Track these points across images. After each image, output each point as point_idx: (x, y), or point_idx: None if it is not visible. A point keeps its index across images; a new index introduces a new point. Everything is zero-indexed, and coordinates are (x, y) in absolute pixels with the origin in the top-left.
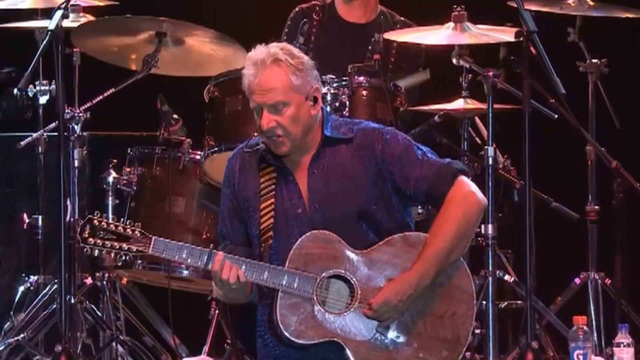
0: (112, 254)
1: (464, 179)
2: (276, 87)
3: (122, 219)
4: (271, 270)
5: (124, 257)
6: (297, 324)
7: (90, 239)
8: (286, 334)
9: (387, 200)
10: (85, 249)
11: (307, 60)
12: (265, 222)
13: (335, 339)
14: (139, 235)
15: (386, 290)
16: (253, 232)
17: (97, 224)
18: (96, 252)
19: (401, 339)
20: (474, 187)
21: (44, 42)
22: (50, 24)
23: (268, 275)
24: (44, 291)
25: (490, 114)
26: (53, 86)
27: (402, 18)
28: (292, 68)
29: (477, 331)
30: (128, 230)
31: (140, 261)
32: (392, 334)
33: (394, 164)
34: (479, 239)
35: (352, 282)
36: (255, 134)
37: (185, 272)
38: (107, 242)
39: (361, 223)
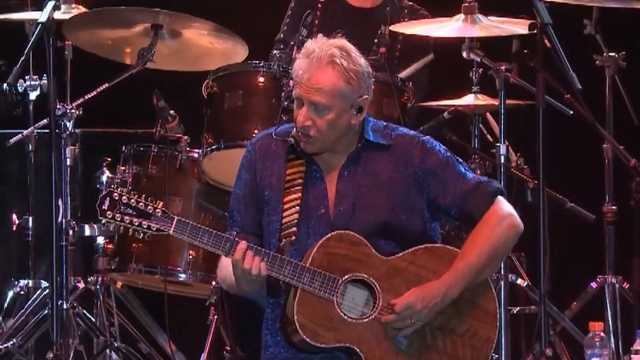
0: (131, 230)
1: (502, 199)
2: (324, 89)
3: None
4: (293, 266)
5: (142, 235)
6: (314, 325)
7: (109, 212)
8: (302, 334)
9: (419, 211)
10: (102, 222)
11: (365, 66)
12: (288, 216)
13: (351, 345)
14: (160, 213)
15: (411, 294)
16: (271, 224)
17: (117, 197)
18: (113, 227)
19: (418, 353)
20: (512, 209)
21: (35, 34)
22: (41, 16)
23: (290, 271)
24: (35, 296)
25: (502, 110)
26: (44, 81)
27: (409, 2)
28: (346, 75)
29: (495, 356)
30: (150, 207)
31: (135, 264)
32: (409, 347)
33: (433, 176)
34: None
35: (375, 288)
36: (256, 131)
37: (183, 276)
38: (126, 217)
39: (385, 232)
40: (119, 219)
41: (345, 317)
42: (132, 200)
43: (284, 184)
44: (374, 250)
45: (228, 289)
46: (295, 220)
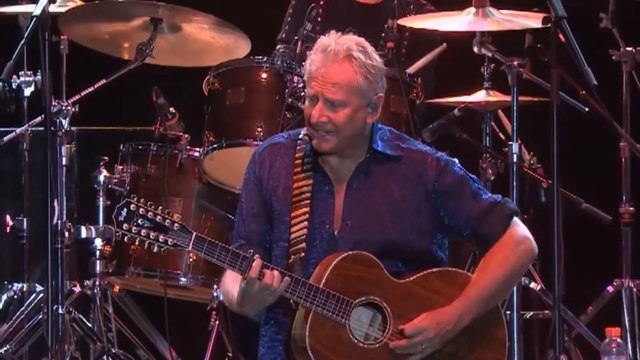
0: (146, 244)
1: (518, 221)
2: (341, 85)
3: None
4: (308, 287)
5: (157, 249)
6: (325, 350)
7: (126, 225)
8: (311, 355)
9: (429, 232)
10: (117, 235)
11: (380, 64)
12: (297, 231)
13: None
14: (178, 227)
15: (423, 319)
16: (280, 238)
17: (134, 209)
18: (127, 239)
19: None
20: (527, 232)
21: (29, 28)
22: (36, 9)
23: (304, 292)
24: (29, 300)
25: (515, 107)
26: (39, 77)
27: None
28: (364, 70)
29: None
30: (168, 220)
31: (133, 267)
32: None
33: (448, 196)
34: None
35: (387, 313)
36: (259, 129)
37: (183, 280)
38: (143, 231)
39: (392, 252)
40: (135, 232)
41: (356, 341)
42: (150, 213)
43: (292, 197)
44: (387, 273)
45: (228, 305)
46: (304, 236)
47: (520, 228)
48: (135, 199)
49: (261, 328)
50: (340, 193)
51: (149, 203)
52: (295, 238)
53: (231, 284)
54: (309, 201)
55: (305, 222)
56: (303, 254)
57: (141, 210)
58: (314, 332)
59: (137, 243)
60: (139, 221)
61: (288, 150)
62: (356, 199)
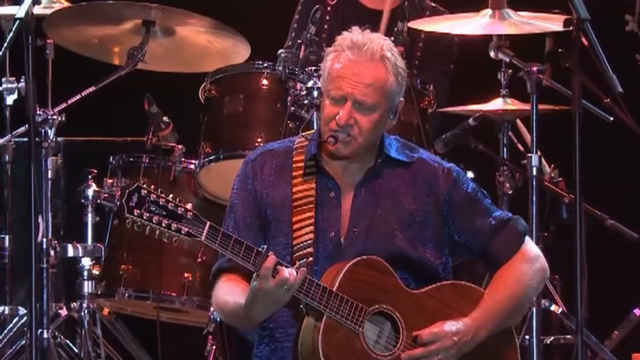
0: (157, 232)
1: (529, 239)
2: (375, 86)
3: (105, 240)
4: (322, 289)
5: (168, 238)
6: (337, 357)
7: (137, 210)
8: None
9: (437, 245)
10: (128, 221)
11: (405, 67)
12: (301, 236)
13: None
14: (191, 216)
15: (441, 326)
16: (277, 245)
17: (145, 194)
18: (137, 226)
19: None
20: (539, 250)
21: (12, 32)
22: (19, 11)
23: (318, 294)
24: (12, 324)
25: (534, 116)
26: (22, 84)
27: (432, 4)
28: (395, 72)
29: None
30: (181, 208)
31: (124, 289)
32: None
33: (459, 210)
34: None
35: (400, 323)
36: (259, 139)
37: (178, 302)
38: (155, 217)
39: (400, 263)
40: (146, 219)
41: (370, 351)
42: (162, 199)
43: (292, 202)
44: (399, 281)
45: (224, 318)
46: (311, 241)
47: (532, 246)
48: (145, 185)
49: (255, 349)
50: (347, 199)
51: (159, 190)
52: (300, 243)
53: (229, 293)
54: (312, 206)
55: (311, 227)
56: (311, 258)
57: (153, 197)
58: (327, 338)
59: (147, 231)
60: (151, 207)
61: (283, 156)
62: (364, 206)
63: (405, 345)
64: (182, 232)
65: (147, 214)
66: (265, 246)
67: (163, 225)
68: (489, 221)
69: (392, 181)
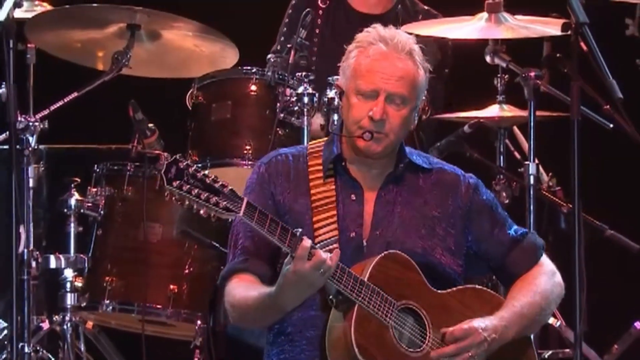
0: (195, 206)
1: (545, 255)
2: (406, 79)
3: (88, 251)
4: (354, 278)
5: (205, 212)
6: (370, 346)
7: (176, 182)
8: (358, 354)
9: (455, 253)
10: (166, 193)
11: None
12: (324, 234)
13: None
14: (228, 192)
15: (470, 323)
16: None
17: (183, 167)
18: (175, 198)
19: None
20: (554, 266)
21: None
22: None
23: (350, 283)
24: None
25: (532, 123)
26: (3, 89)
27: (425, 7)
28: (423, 66)
29: None
30: (219, 183)
31: (108, 301)
32: None
33: (479, 217)
34: None
35: (426, 322)
36: (248, 147)
37: (164, 315)
38: (194, 190)
39: (420, 267)
40: (186, 191)
41: (399, 345)
42: (199, 173)
43: (310, 204)
44: (424, 279)
45: (245, 313)
46: (336, 237)
47: (549, 261)
48: (182, 158)
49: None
50: (369, 202)
51: (195, 164)
52: (323, 240)
53: (250, 287)
54: (333, 205)
55: (334, 224)
56: (338, 250)
57: (191, 170)
58: (360, 328)
59: (185, 204)
60: (190, 180)
61: (298, 160)
62: (387, 209)
63: (433, 343)
64: (220, 207)
65: (187, 186)
66: (301, 229)
67: (202, 198)
68: (508, 232)
69: (414, 186)
